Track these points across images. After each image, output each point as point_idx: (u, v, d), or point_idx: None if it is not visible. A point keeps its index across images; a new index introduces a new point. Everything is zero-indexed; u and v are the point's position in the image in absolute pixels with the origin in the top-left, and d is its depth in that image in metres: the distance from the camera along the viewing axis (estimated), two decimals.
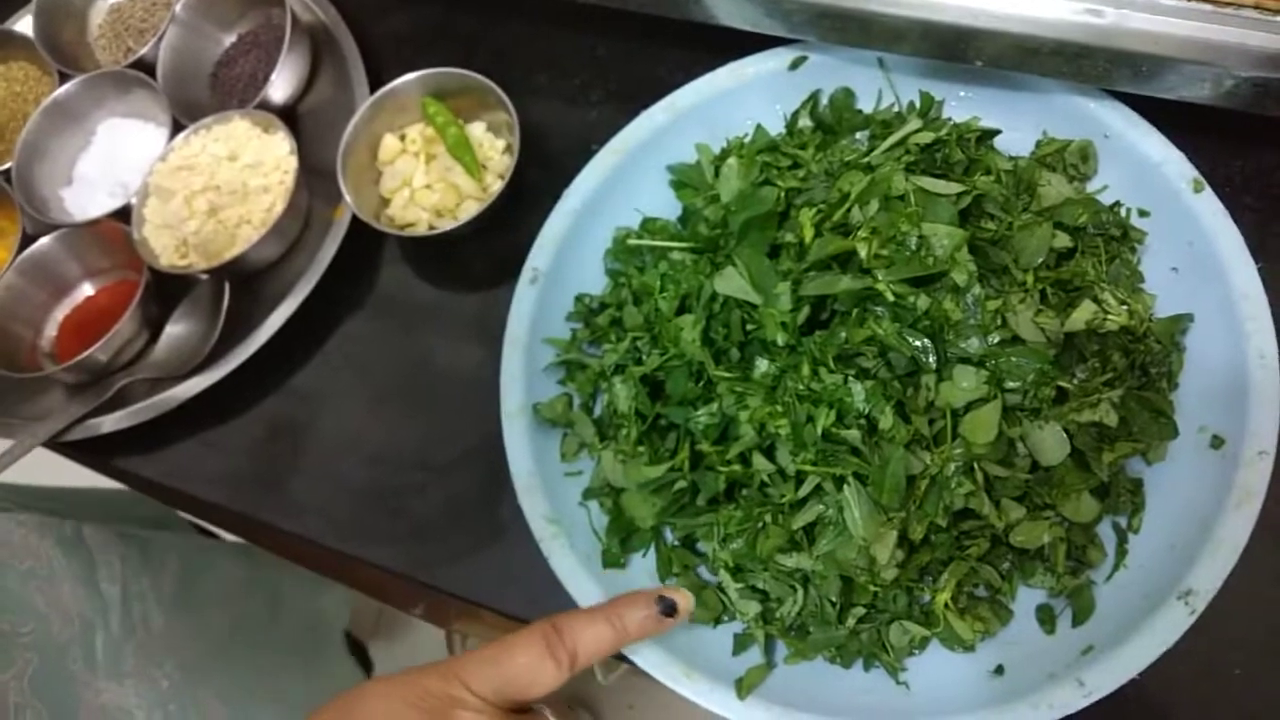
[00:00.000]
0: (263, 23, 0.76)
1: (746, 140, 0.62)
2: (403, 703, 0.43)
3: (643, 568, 0.55)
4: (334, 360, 0.68)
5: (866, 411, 0.45)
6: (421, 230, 0.67)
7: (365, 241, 0.68)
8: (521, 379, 0.60)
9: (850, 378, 0.45)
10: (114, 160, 0.74)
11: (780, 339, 0.48)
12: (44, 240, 0.69)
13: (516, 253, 0.66)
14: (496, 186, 0.67)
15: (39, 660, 0.65)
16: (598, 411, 0.60)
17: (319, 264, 0.67)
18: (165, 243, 0.66)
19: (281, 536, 0.65)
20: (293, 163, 0.66)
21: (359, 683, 0.53)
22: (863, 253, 0.48)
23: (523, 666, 0.44)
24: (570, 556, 0.54)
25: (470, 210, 0.66)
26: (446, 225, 0.66)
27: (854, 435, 0.44)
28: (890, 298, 0.46)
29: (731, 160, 0.58)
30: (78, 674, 0.67)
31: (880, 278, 0.47)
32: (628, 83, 0.70)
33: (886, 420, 0.43)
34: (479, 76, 0.66)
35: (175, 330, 0.67)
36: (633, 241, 0.61)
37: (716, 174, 0.61)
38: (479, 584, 0.59)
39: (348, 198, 0.66)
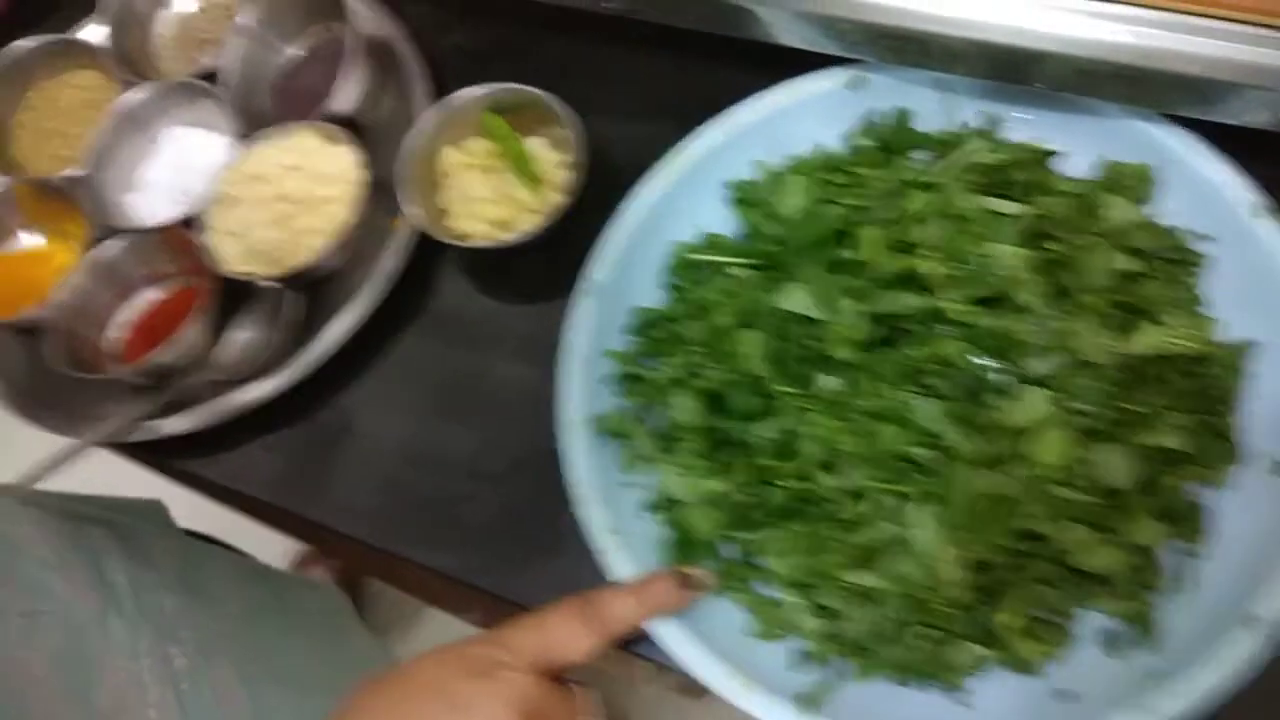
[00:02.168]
0: (326, 36, 0.77)
1: (805, 158, 0.62)
2: (454, 665, 0.48)
3: None
4: (390, 368, 0.69)
5: (934, 430, 0.45)
6: (481, 242, 0.68)
7: (420, 253, 0.70)
8: (579, 390, 0.60)
9: (917, 396, 0.46)
10: (179, 167, 0.75)
11: (845, 356, 0.49)
12: (110, 243, 0.70)
13: (571, 266, 0.67)
14: (555, 200, 0.67)
15: (60, 638, 0.66)
16: (655, 424, 0.60)
17: (379, 274, 0.68)
18: (231, 249, 0.68)
19: (335, 538, 0.66)
20: (359, 174, 0.67)
21: (387, 658, 0.56)
22: (927, 272, 0.48)
23: (559, 634, 0.49)
24: (630, 568, 0.55)
25: (530, 223, 0.67)
26: (506, 238, 0.67)
27: (924, 454, 0.44)
28: (957, 317, 0.46)
29: (792, 177, 0.58)
30: (95, 654, 0.68)
31: (946, 297, 0.47)
32: (684, 99, 0.71)
33: (955, 439, 0.44)
34: (541, 92, 0.67)
35: (237, 335, 0.68)
36: (693, 256, 0.62)
37: (776, 191, 0.62)
38: (536, 591, 0.59)
39: (410, 209, 0.67)
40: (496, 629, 0.49)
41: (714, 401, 0.56)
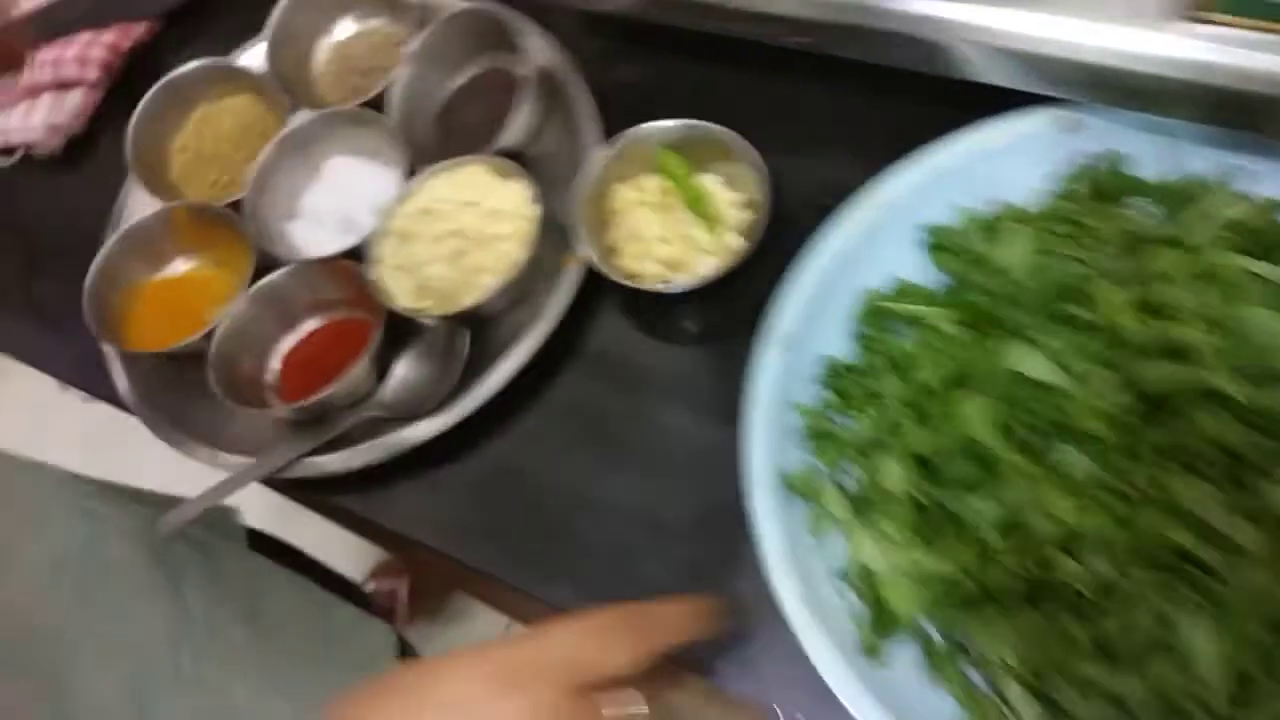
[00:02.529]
0: (490, 68, 0.76)
1: (1020, 205, 0.58)
2: (482, 677, 0.42)
3: (905, 661, 0.52)
4: (557, 410, 0.67)
5: (1207, 518, 0.41)
6: (654, 284, 0.65)
7: (588, 292, 0.67)
8: (766, 446, 0.57)
9: (1186, 478, 0.42)
10: (341, 197, 0.74)
11: (1095, 429, 0.45)
12: (277, 273, 0.69)
13: (744, 311, 0.64)
14: (731, 241, 0.65)
15: (130, 666, 0.65)
16: (846, 482, 0.57)
17: (548, 313, 0.65)
18: (402, 285, 0.66)
19: (500, 586, 0.64)
20: (532, 210, 0.65)
21: None
22: (1190, 340, 0.44)
23: (602, 643, 0.44)
24: (827, 643, 0.51)
25: (704, 265, 0.64)
26: (683, 279, 0.64)
27: (1210, 554, 0.40)
28: (1235, 395, 0.42)
29: (1013, 225, 0.54)
30: (163, 684, 0.67)
31: (1214, 369, 0.43)
32: (865, 137, 0.67)
33: (1245, 536, 0.39)
34: (723, 130, 0.64)
35: (404, 373, 0.67)
36: (887, 305, 0.58)
37: (984, 239, 0.58)
38: (717, 659, 0.56)
39: (585, 248, 0.64)
40: (532, 631, 0.44)
41: (920, 466, 0.53)
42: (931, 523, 0.52)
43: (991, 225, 0.59)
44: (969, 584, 0.50)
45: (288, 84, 0.77)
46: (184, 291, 0.75)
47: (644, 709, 0.44)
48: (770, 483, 0.56)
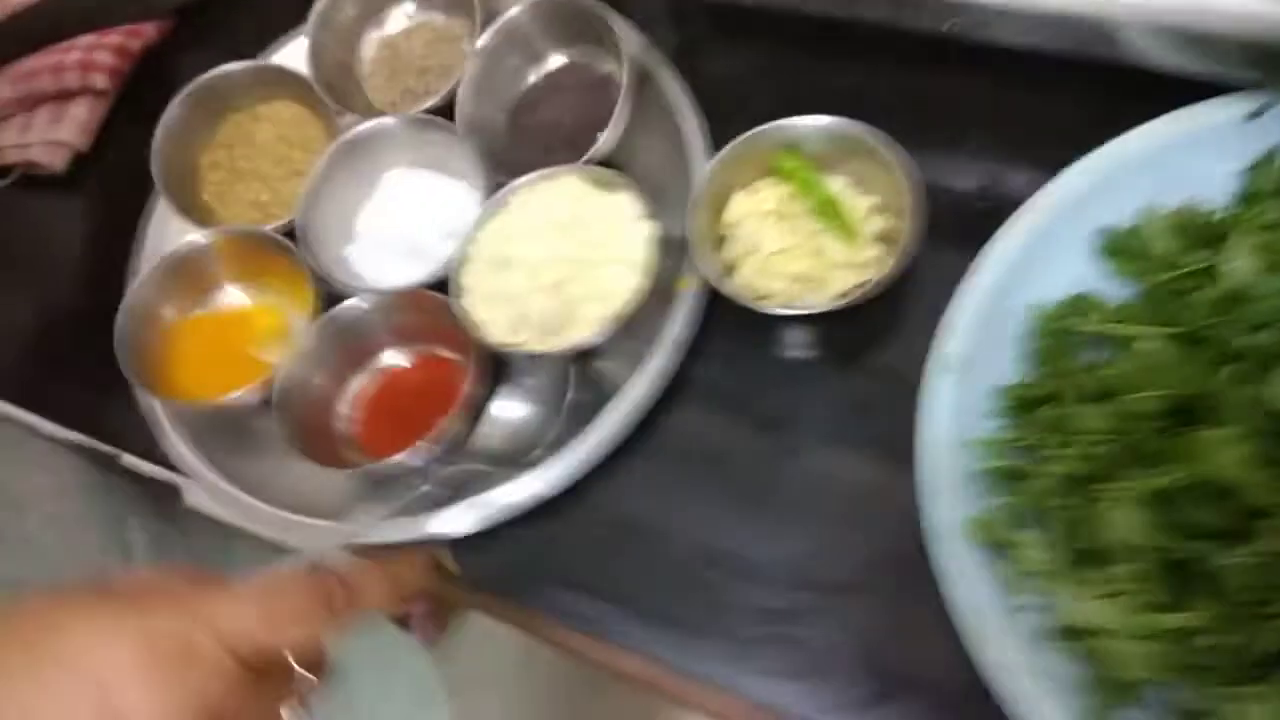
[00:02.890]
0: (566, 63, 0.67)
1: (1198, 203, 0.52)
2: (129, 646, 0.34)
3: None
4: (673, 451, 0.59)
5: None
6: (791, 305, 0.57)
7: (704, 315, 0.60)
8: (948, 490, 0.50)
9: None
10: (405, 216, 0.65)
11: None
12: (345, 306, 0.61)
13: (894, 333, 0.58)
14: (870, 253, 0.57)
15: None
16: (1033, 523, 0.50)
17: (667, 344, 0.58)
18: (494, 316, 0.58)
19: (628, 655, 0.56)
20: (646, 228, 0.57)
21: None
22: None
23: (288, 610, 0.39)
24: (1053, 713, 0.45)
25: (843, 281, 0.57)
26: (817, 298, 0.57)
27: None
28: None
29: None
30: None
31: None
32: (1013, 133, 0.60)
33: None
34: (864, 127, 0.57)
35: (503, 415, 0.58)
36: (1084, 324, 0.51)
37: (1174, 242, 0.52)
38: None
39: (703, 266, 0.57)
40: (202, 593, 0.38)
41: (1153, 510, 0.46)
42: (1171, 577, 0.45)
43: (1180, 226, 0.52)
44: (1217, 649, 0.43)
45: (332, 86, 0.68)
46: (230, 329, 0.66)
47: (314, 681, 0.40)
48: (958, 533, 0.49)
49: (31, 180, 0.78)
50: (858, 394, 0.57)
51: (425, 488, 0.57)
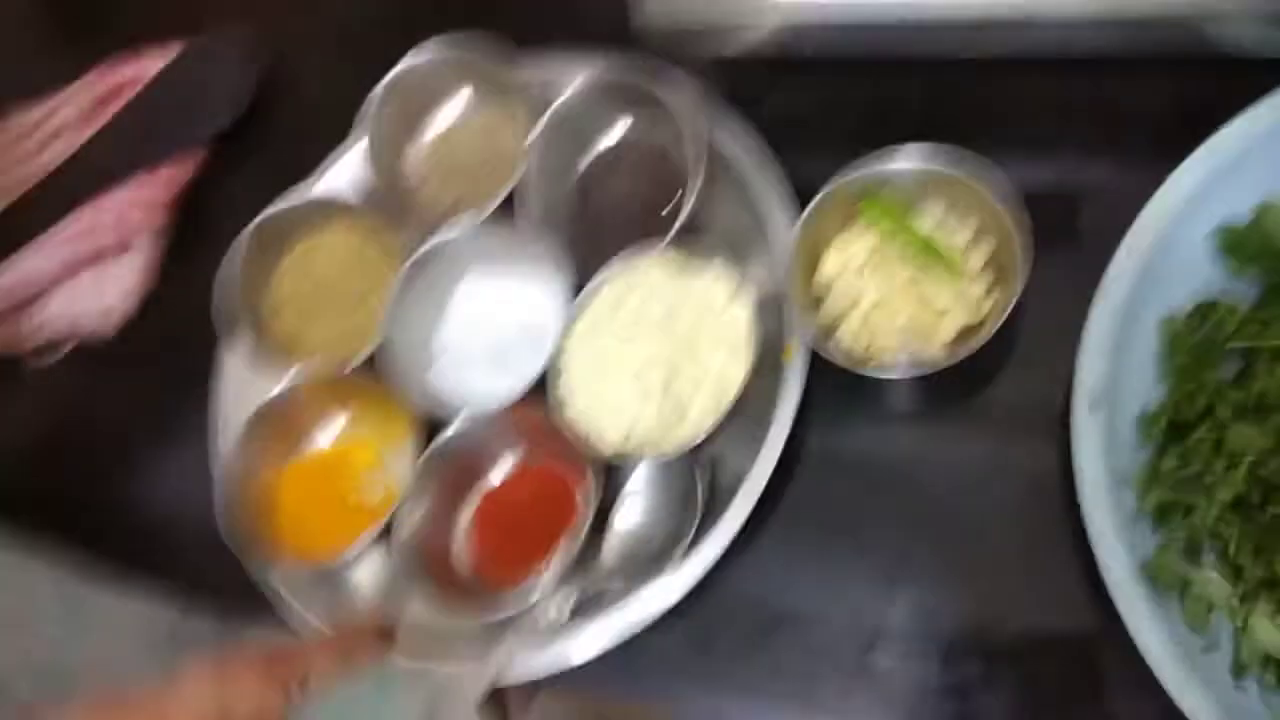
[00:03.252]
0: (622, 138, 0.65)
1: None
2: None
3: None
4: (807, 527, 0.57)
5: None
6: (892, 361, 0.55)
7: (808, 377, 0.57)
8: (1114, 533, 0.48)
9: None
10: (483, 327, 0.64)
11: None
12: (446, 436, 0.59)
13: (1007, 368, 0.55)
14: (977, 290, 0.55)
15: None
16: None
17: (780, 420, 0.55)
18: (601, 425, 0.56)
19: None
20: (743, 309, 0.55)
21: None
22: None
23: (238, 689, 0.44)
24: None
25: (952, 327, 0.55)
26: (932, 347, 0.55)
27: None
28: None
29: None
30: None
31: None
32: (1105, 139, 0.58)
33: None
34: (939, 156, 0.54)
35: (627, 527, 0.57)
36: (1225, 340, 0.49)
37: None
38: None
39: (803, 333, 0.55)
40: (163, 688, 0.44)
41: None
42: None
43: None
44: None
45: (384, 204, 0.66)
46: (329, 472, 0.64)
47: None
48: (1135, 578, 0.47)
49: (83, 350, 0.76)
50: (984, 439, 0.55)
51: (555, 614, 0.55)
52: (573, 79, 0.63)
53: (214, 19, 0.79)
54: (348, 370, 0.62)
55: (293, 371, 0.64)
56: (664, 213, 0.62)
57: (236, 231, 0.67)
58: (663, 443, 0.55)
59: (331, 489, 0.63)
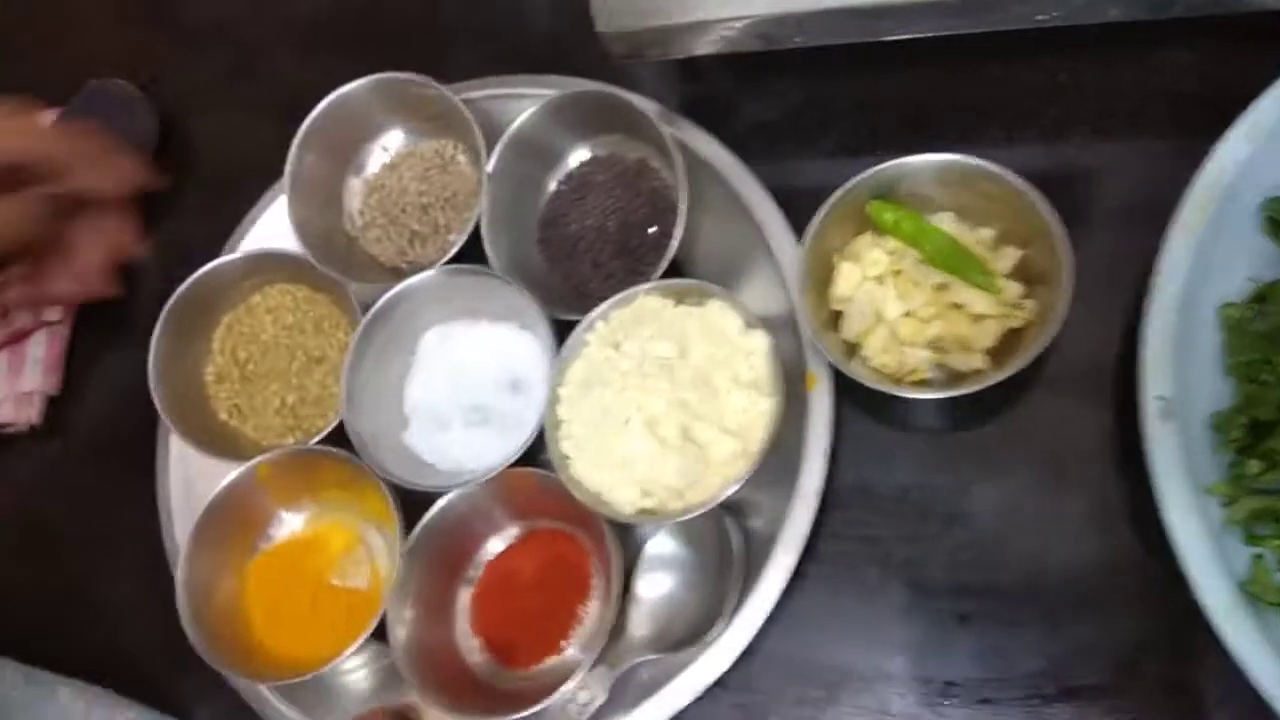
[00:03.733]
0: (590, 157, 0.59)
1: None
2: None
3: None
4: (848, 571, 0.51)
5: None
6: (923, 379, 0.50)
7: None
8: (1206, 552, 0.43)
9: None
10: (457, 380, 0.56)
11: None
12: (434, 512, 0.52)
13: (1049, 376, 0.51)
14: (1012, 292, 0.49)
15: None
16: None
17: (811, 461, 0.50)
18: (612, 481, 0.49)
19: None
20: (758, 340, 0.49)
21: None
22: None
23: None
24: None
25: (995, 332, 0.49)
26: (971, 361, 0.49)
27: None
28: None
29: None
30: None
31: None
32: (1126, 116, 0.53)
33: None
34: (964, 159, 0.49)
35: (655, 594, 0.50)
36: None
37: None
38: None
39: (826, 355, 0.49)
40: None
41: None
42: None
43: None
44: None
45: (327, 254, 0.59)
46: (302, 561, 0.56)
47: None
48: (1234, 598, 0.42)
49: (7, 441, 0.67)
50: (1034, 458, 0.50)
51: (586, 699, 0.49)
52: (527, 102, 0.56)
53: (103, 72, 0.70)
54: (310, 444, 0.55)
55: (244, 458, 0.55)
56: (650, 231, 0.56)
57: (162, 294, 0.59)
58: (688, 497, 0.48)
59: (308, 580, 0.56)
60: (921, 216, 0.51)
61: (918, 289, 0.51)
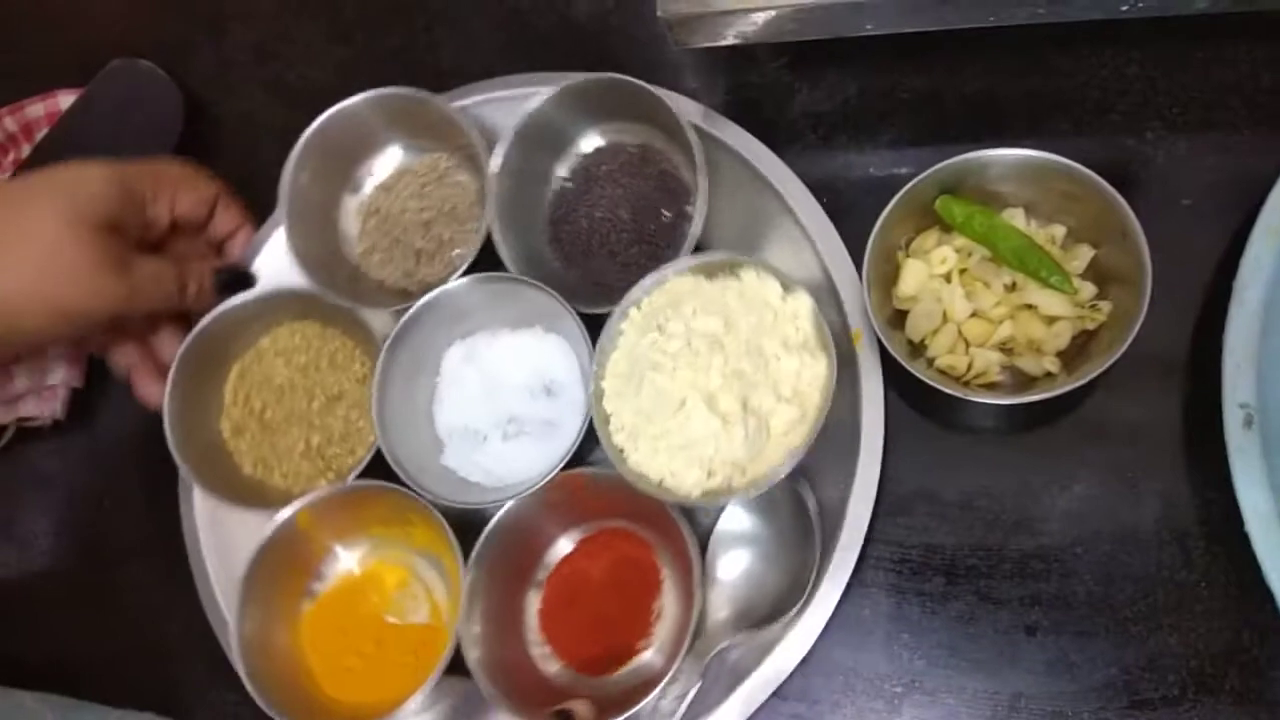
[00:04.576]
0: (595, 148, 0.56)
1: None
2: None
3: None
4: (908, 578, 0.50)
5: None
6: (999, 382, 0.48)
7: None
8: None
9: None
10: (484, 395, 0.54)
11: None
12: (489, 531, 0.50)
13: (1121, 380, 0.49)
14: (1087, 292, 0.48)
15: None
16: None
17: (869, 438, 0.49)
18: (674, 466, 0.47)
19: None
20: (802, 302, 0.48)
21: None
22: None
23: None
24: None
25: (1067, 334, 0.48)
26: (1042, 364, 0.48)
27: None
28: None
29: None
30: None
31: None
32: (1197, 110, 0.51)
33: None
34: (1042, 155, 0.47)
35: (733, 574, 0.50)
36: None
37: None
38: None
39: (890, 348, 0.47)
40: None
41: None
42: None
43: None
44: None
45: (331, 283, 0.55)
46: (356, 603, 0.54)
47: None
48: None
49: (30, 434, 0.65)
50: (1103, 463, 0.49)
51: (679, 688, 0.48)
52: (520, 104, 0.54)
53: (127, 51, 0.67)
54: (348, 482, 0.52)
55: (280, 503, 0.52)
56: (664, 214, 0.54)
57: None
58: (751, 472, 0.47)
59: (366, 623, 0.54)
60: (994, 213, 0.49)
61: (987, 289, 0.49)
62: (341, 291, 0.55)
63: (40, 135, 0.65)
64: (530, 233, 0.56)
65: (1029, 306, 0.49)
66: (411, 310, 0.52)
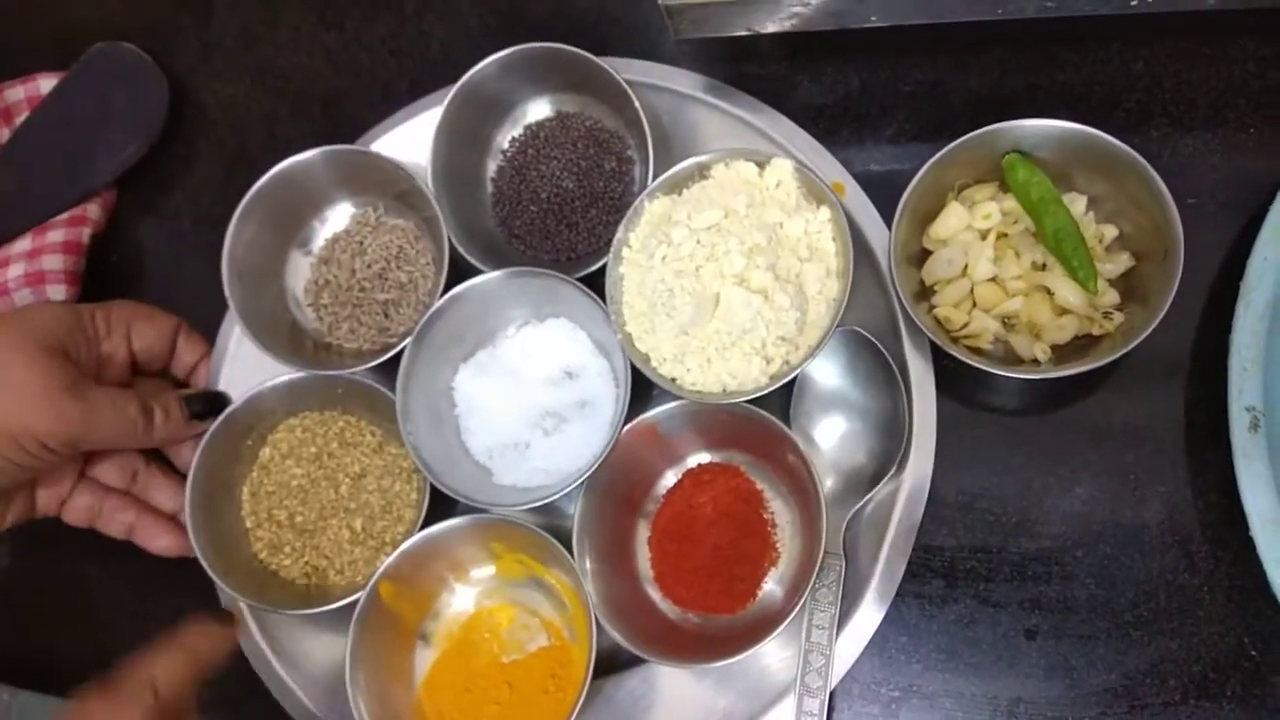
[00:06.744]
0: (509, 143, 0.57)
1: None
2: None
3: None
4: (905, 580, 0.49)
5: None
6: (990, 350, 0.48)
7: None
8: None
9: None
10: (507, 408, 0.53)
11: None
12: (580, 513, 0.49)
13: (1122, 378, 0.48)
14: (1108, 299, 0.47)
15: None
16: None
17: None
18: (725, 371, 0.48)
19: None
20: (786, 166, 0.49)
21: None
22: None
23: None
24: None
25: (1066, 332, 0.47)
26: (1033, 348, 0.47)
27: None
28: None
29: None
30: None
31: None
32: (1198, 101, 0.50)
33: None
34: (1101, 134, 0.45)
35: (832, 440, 0.51)
36: None
37: None
38: None
39: (900, 286, 0.47)
40: None
41: None
42: None
43: None
44: None
45: (309, 365, 0.54)
46: (471, 656, 0.52)
47: None
48: None
49: None
50: (1105, 464, 0.48)
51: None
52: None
53: (110, 35, 0.65)
54: (412, 542, 0.50)
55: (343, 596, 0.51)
56: (607, 167, 0.55)
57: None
58: (805, 339, 0.48)
59: (490, 671, 0.52)
60: (1054, 188, 0.48)
61: (1016, 259, 0.48)
62: (319, 367, 0.54)
63: (20, 120, 0.64)
64: (486, 236, 0.56)
65: (1047, 291, 0.48)
66: (407, 354, 0.51)
